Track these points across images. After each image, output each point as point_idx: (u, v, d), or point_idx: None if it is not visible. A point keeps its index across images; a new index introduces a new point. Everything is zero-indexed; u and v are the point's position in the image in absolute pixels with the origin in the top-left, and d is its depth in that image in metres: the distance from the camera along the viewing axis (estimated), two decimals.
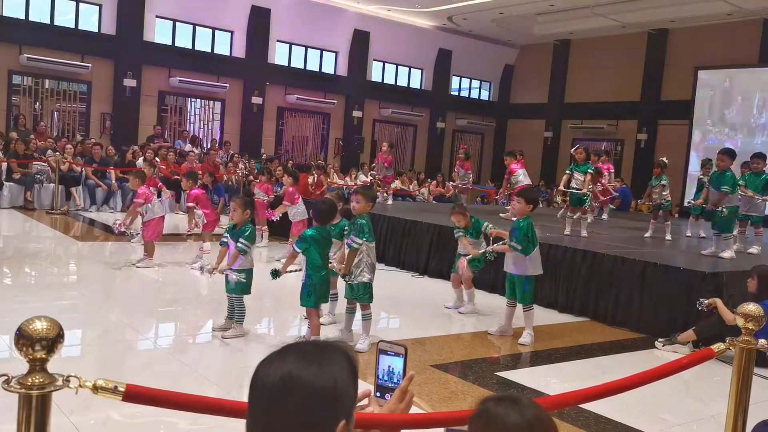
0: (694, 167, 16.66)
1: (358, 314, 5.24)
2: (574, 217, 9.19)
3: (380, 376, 1.58)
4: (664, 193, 9.41)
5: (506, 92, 24.28)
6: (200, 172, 10.35)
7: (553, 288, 7.19)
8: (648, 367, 2.74)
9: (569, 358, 5.46)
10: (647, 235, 9.59)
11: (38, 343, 1.50)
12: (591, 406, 3.93)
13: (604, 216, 12.26)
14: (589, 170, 9.41)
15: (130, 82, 16.68)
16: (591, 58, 21.21)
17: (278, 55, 19.40)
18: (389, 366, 1.57)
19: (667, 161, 9.62)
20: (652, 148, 20.03)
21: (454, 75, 23.20)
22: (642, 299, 6.53)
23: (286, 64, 19.67)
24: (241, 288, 5.19)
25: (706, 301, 5.50)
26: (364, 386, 1.53)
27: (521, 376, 4.91)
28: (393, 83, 22.06)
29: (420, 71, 22.54)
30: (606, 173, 12.05)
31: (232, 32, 18.46)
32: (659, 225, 9.58)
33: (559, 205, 13.47)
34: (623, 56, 20.10)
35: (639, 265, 6.65)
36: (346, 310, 5.33)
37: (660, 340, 5.90)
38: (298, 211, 8.69)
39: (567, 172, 9.69)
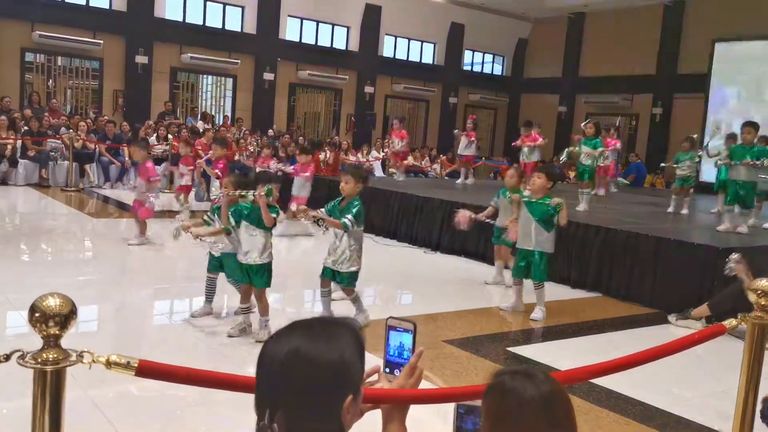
0: (713, 142, 16.43)
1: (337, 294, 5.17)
2: (584, 192, 9.13)
3: (389, 352, 1.59)
4: (692, 170, 9.46)
5: (519, 66, 24.01)
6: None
7: (565, 263, 7.17)
8: (660, 343, 2.73)
9: (581, 333, 5.47)
10: (670, 210, 9.54)
11: (51, 320, 1.52)
12: (602, 381, 3.93)
13: (613, 189, 12.20)
14: (597, 144, 9.38)
15: (141, 59, 16.67)
16: (606, 31, 20.89)
17: (289, 31, 19.27)
18: (398, 342, 1.58)
19: (696, 137, 9.60)
20: (667, 123, 19.79)
21: (466, 49, 22.95)
22: (655, 275, 6.50)
23: (298, 40, 19.54)
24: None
25: (734, 261, 5.23)
26: (374, 362, 1.54)
27: (532, 351, 4.93)
28: (405, 58, 21.87)
29: (432, 46, 22.32)
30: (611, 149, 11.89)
31: (243, 7, 18.34)
32: (681, 200, 9.56)
33: (571, 181, 13.40)
34: (638, 29, 19.78)
35: (652, 240, 6.62)
36: (323, 294, 5.05)
37: (673, 315, 5.88)
38: (306, 189, 8.75)
39: (571, 149, 9.72)
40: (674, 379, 4.39)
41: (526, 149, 11.55)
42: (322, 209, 5.01)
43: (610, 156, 11.44)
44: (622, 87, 20.44)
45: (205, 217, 5.14)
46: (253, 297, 4.69)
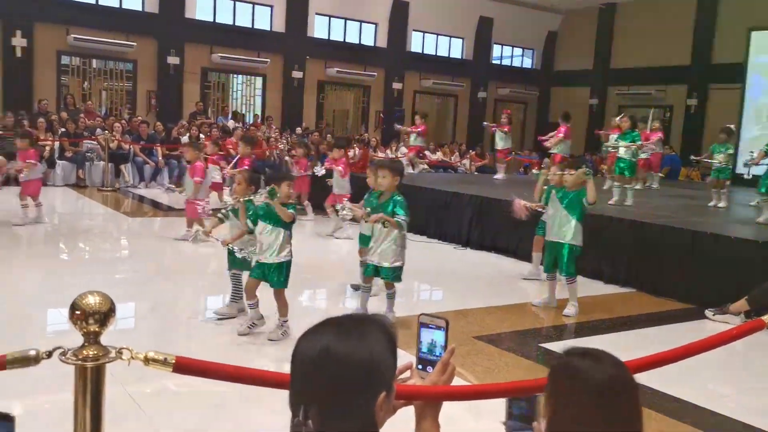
0: (751, 132, 16.06)
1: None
2: (623, 186, 9.04)
3: (422, 349, 1.60)
4: (727, 161, 9.30)
5: (549, 59, 23.75)
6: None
7: (598, 258, 7.07)
8: (696, 339, 2.69)
9: (615, 329, 5.40)
10: (713, 203, 9.39)
11: (91, 317, 1.56)
12: (637, 378, 3.88)
13: (655, 185, 12.05)
14: (635, 139, 9.22)
15: (173, 60, 16.90)
16: (638, 21, 20.52)
17: (317, 29, 19.35)
18: (431, 339, 1.58)
19: (733, 128, 9.43)
20: (702, 114, 19.40)
21: (495, 43, 22.78)
22: (691, 269, 6.38)
23: (326, 37, 19.61)
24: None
25: None
26: (406, 359, 1.55)
27: (565, 347, 4.88)
28: (433, 54, 21.79)
29: (460, 40, 22.20)
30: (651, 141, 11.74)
31: (271, 6, 18.46)
32: (718, 193, 9.41)
33: (604, 175, 13.22)
34: (672, 18, 19.40)
35: (688, 234, 6.50)
36: (363, 290, 5.12)
37: (710, 310, 5.78)
38: (344, 185, 8.77)
39: (611, 143, 9.58)
40: (711, 376, 4.32)
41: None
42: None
43: (655, 148, 11.30)
44: (656, 78, 20.07)
45: (220, 215, 5.19)
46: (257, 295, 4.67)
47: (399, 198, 4.90)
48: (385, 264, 4.91)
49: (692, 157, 12.65)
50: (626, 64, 20.95)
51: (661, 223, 6.88)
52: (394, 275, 4.95)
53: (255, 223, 4.58)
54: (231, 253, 5.01)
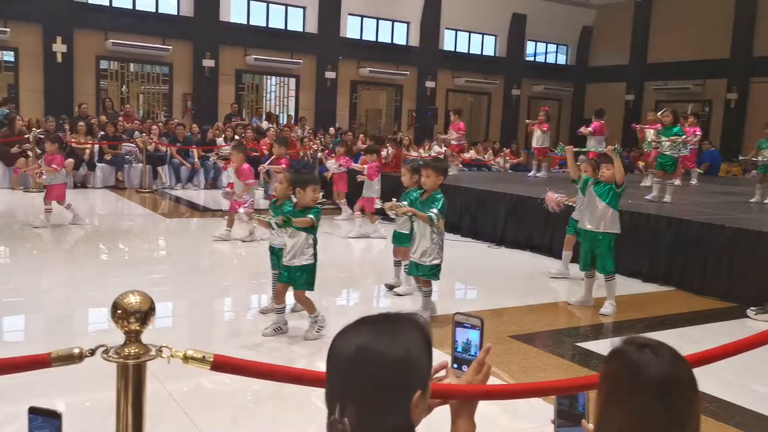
0: None
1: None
2: (665, 182, 8.88)
3: (457, 348, 1.59)
4: None
5: (584, 55, 23.44)
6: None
7: (636, 257, 6.96)
8: (738, 338, 2.63)
9: (653, 328, 5.30)
10: (754, 200, 9.17)
11: (132, 316, 1.60)
12: None
13: (693, 181, 11.82)
14: (678, 133, 9.06)
15: (208, 63, 17.15)
16: (675, 13, 20.12)
17: (350, 29, 19.42)
18: (466, 338, 1.58)
19: None
20: (743, 108, 18.92)
21: (528, 40, 22.57)
22: (732, 267, 6.24)
23: (358, 37, 19.68)
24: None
25: None
26: (441, 357, 1.55)
27: (602, 347, 4.81)
28: (466, 51, 21.70)
29: (493, 38, 22.05)
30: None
31: (304, 8, 18.60)
32: (765, 189, 9.19)
33: (641, 171, 13.00)
34: (710, 10, 18.96)
35: (729, 231, 6.35)
36: (417, 288, 5.24)
37: (752, 309, 5.64)
38: (374, 188, 8.79)
39: (652, 139, 9.41)
40: (755, 376, 4.22)
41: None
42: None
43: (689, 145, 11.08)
44: (694, 72, 19.66)
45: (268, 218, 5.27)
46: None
47: (439, 196, 4.99)
48: (425, 262, 4.98)
49: (740, 157, 12.34)
50: (663, 59, 20.55)
51: (702, 220, 6.73)
52: (431, 272, 5.02)
53: (280, 226, 4.61)
54: (273, 253, 5.07)
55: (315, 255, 4.57)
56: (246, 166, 8.02)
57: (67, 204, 8.39)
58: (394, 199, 5.21)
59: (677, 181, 10.79)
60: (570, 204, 6.67)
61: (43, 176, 8.42)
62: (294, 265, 4.50)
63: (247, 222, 5.40)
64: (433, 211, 4.85)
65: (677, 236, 6.74)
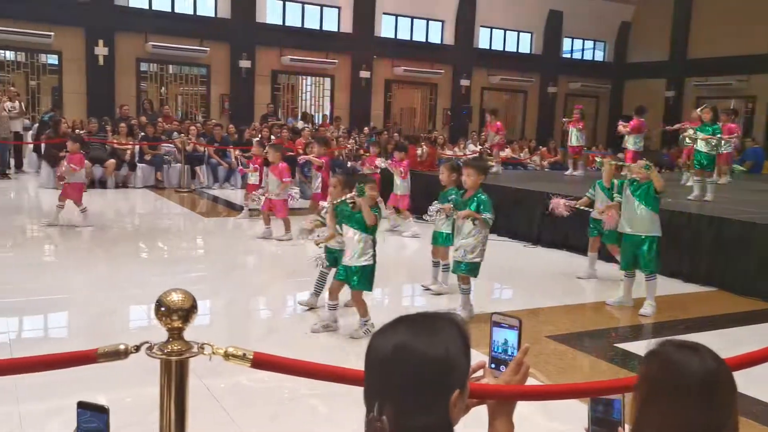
0: None
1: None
2: (704, 180, 8.71)
3: (494, 349, 1.59)
4: None
5: (622, 51, 23.05)
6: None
7: (676, 257, 6.82)
8: None
9: (695, 329, 5.20)
10: None
11: (175, 314, 1.63)
12: None
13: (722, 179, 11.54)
14: (716, 131, 8.85)
15: (245, 63, 17.36)
16: (717, 7, 19.63)
17: (384, 28, 19.45)
18: (503, 338, 1.57)
19: None
20: None
21: (565, 37, 22.30)
22: None
23: (393, 36, 19.69)
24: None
25: None
26: (478, 358, 1.55)
27: (642, 348, 4.72)
28: (501, 49, 21.53)
29: (529, 35, 21.84)
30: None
31: (339, 8, 18.68)
32: None
33: (681, 169, 12.74)
34: (754, 3, 18.44)
35: None
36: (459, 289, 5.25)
37: None
38: (404, 186, 8.82)
39: (690, 134, 9.21)
40: None
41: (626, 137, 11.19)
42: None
43: (731, 143, 10.82)
44: (737, 67, 19.15)
45: (320, 218, 5.32)
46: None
47: (483, 197, 4.99)
48: (465, 259, 5.00)
49: None
50: (705, 54, 20.07)
51: (744, 219, 6.57)
52: (469, 270, 5.03)
53: (340, 225, 4.72)
54: (329, 252, 5.13)
55: (374, 255, 4.60)
56: (283, 164, 8.11)
57: (82, 207, 8.27)
58: (448, 204, 5.25)
59: (723, 179, 10.56)
60: (581, 208, 6.61)
61: (65, 176, 8.30)
62: (354, 265, 4.54)
63: (308, 229, 5.48)
64: (488, 216, 4.91)
65: (719, 235, 6.60)
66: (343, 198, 4.62)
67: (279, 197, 7.97)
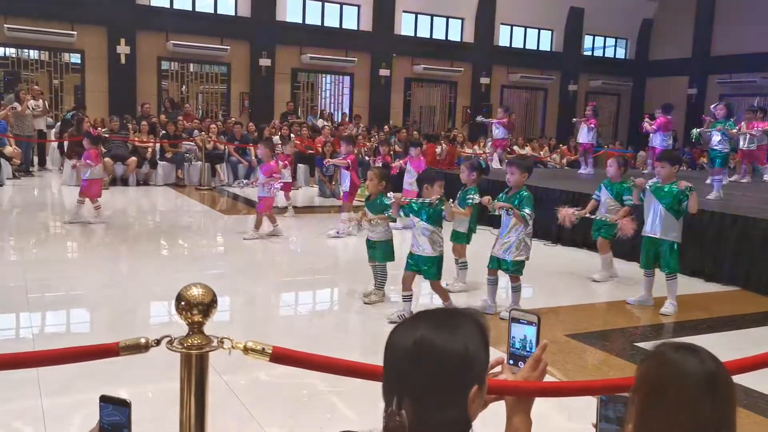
0: None
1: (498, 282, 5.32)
2: (715, 179, 8.62)
3: (513, 345, 1.59)
4: None
5: (644, 48, 22.80)
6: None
7: (698, 256, 6.74)
8: None
9: (716, 329, 5.14)
10: None
11: (195, 308, 1.65)
12: (741, 380, 3.68)
13: (744, 179, 11.36)
14: (729, 127, 8.81)
15: (265, 62, 17.44)
16: (740, 3, 19.34)
17: (404, 26, 19.43)
18: (522, 335, 1.57)
19: None
20: None
21: (586, 34, 22.11)
22: None
23: (413, 34, 19.66)
24: (383, 255, 5.30)
25: None
26: (496, 354, 1.55)
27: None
28: (521, 47, 21.40)
29: (550, 33, 21.68)
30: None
31: (358, 6, 18.70)
32: None
33: (703, 167, 12.58)
34: None
35: None
36: (489, 282, 5.27)
37: None
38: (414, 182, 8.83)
39: (694, 133, 9.21)
40: None
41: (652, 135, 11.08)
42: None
43: (764, 139, 10.64)
44: (762, 64, 18.84)
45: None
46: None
47: (526, 194, 5.03)
48: (508, 257, 5.03)
49: None
50: (728, 51, 19.79)
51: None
52: (515, 268, 5.07)
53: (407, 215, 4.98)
54: (370, 246, 5.37)
55: (442, 247, 4.91)
56: (273, 162, 8.26)
57: (97, 205, 8.33)
58: (488, 197, 5.27)
59: (745, 179, 10.43)
60: (588, 216, 6.57)
61: (81, 173, 8.42)
62: (427, 255, 4.80)
63: (354, 223, 5.69)
64: (527, 211, 4.93)
65: (743, 234, 6.51)
66: (423, 199, 4.85)
67: (265, 195, 8.04)
